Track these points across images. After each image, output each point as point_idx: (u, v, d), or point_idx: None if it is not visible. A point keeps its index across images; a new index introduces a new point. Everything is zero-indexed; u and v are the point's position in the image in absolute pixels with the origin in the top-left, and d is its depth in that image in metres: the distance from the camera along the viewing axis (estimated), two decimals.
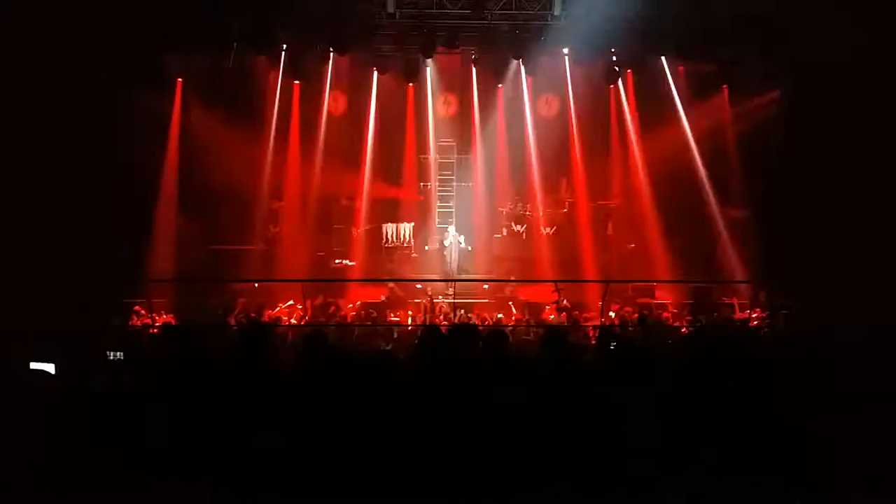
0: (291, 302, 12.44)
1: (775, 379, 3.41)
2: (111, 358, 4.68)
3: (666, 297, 13.44)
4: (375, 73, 14.57)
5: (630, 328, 10.11)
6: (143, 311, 10.91)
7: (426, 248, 15.23)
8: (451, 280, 13.10)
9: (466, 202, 15.63)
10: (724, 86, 14.05)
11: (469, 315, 12.05)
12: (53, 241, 11.13)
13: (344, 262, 14.82)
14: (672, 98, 14.54)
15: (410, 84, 14.87)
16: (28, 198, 10.82)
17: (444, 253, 14.42)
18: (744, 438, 2.72)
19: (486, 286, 13.61)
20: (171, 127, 13.86)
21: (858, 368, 3.64)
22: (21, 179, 10.66)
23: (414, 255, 15.19)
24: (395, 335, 10.17)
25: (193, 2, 12.07)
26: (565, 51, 13.94)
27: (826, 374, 3.50)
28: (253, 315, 11.41)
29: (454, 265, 14.27)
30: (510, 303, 13.04)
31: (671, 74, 14.47)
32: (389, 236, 15.25)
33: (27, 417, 3.20)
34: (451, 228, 14.59)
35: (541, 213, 15.34)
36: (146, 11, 12.08)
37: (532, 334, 10.18)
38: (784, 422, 2.80)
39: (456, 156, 15.72)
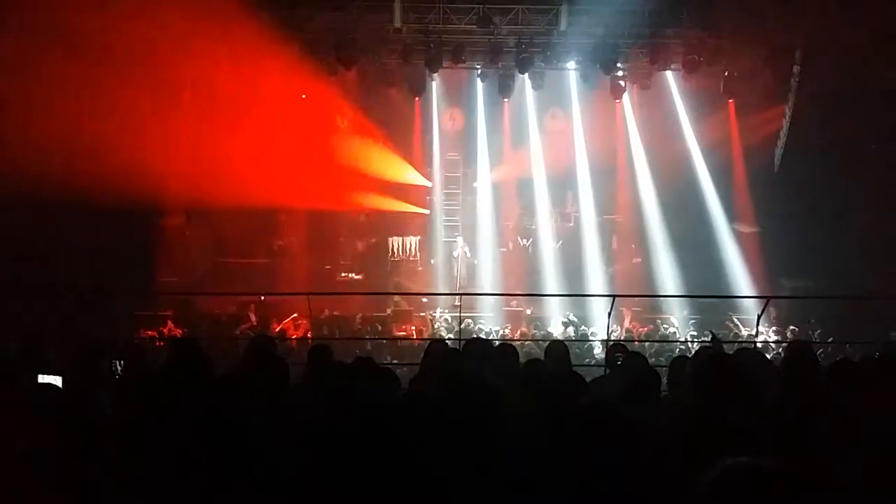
0: (295, 315, 12.42)
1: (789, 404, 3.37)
2: (118, 370, 4.69)
3: (672, 313, 13.36)
4: (381, 88, 14.61)
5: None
6: (150, 324, 10.92)
7: (432, 261, 15.23)
8: (458, 294, 13.06)
9: (472, 216, 15.65)
10: (730, 100, 14.05)
11: (477, 328, 12.01)
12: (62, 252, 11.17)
13: (350, 275, 14.82)
14: (678, 113, 14.57)
15: (416, 98, 14.92)
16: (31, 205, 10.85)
17: (452, 265, 14.43)
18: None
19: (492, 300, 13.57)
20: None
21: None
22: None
23: (420, 268, 15.19)
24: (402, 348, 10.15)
25: None
26: (571, 65, 13.98)
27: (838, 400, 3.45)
28: (259, 328, 11.41)
29: (462, 279, 14.26)
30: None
31: (677, 89, 14.52)
32: (395, 250, 15.27)
33: (33, 430, 3.19)
34: (460, 239, 14.60)
35: (547, 227, 15.34)
36: None
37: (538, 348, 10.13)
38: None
39: (462, 170, 15.76)
